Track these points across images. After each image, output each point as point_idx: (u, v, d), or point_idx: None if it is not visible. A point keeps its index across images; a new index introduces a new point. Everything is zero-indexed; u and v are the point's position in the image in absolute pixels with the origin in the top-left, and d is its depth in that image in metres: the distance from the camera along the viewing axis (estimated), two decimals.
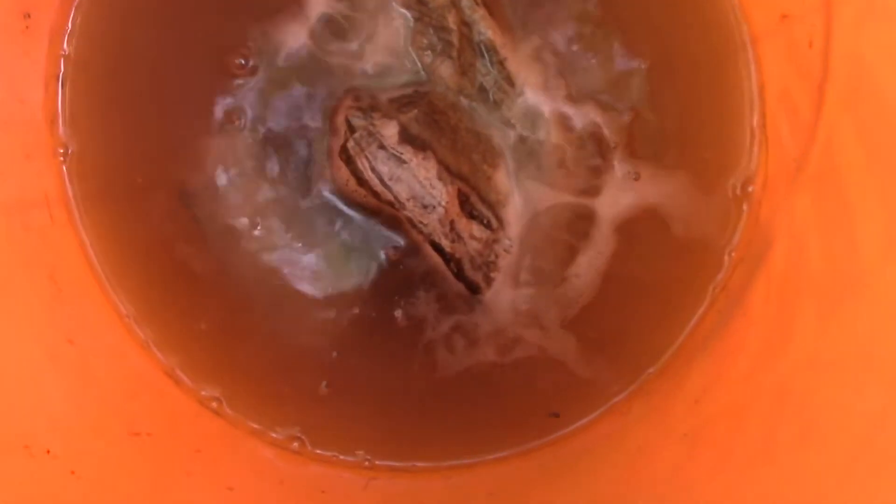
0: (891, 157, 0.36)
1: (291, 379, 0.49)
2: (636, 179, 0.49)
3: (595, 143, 0.49)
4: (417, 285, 0.49)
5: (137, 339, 0.49)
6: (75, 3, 0.49)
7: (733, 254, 0.49)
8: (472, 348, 0.49)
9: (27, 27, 0.46)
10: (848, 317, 0.37)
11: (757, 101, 0.48)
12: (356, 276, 0.49)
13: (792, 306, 0.42)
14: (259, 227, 0.49)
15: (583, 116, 0.49)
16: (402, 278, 0.49)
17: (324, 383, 0.49)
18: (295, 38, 0.49)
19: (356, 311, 0.49)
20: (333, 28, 0.48)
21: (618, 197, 0.49)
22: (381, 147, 0.46)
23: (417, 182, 0.46)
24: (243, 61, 0.49)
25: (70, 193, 0.49)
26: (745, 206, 0.48)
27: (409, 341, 0.49)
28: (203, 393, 0.49)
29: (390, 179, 0.46)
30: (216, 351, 0.49)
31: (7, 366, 0.41)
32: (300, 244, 0.49)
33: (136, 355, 0.49)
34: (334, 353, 0.49)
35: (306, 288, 0.49)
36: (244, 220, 0.49)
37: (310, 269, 0.49)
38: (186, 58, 0.49)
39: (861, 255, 0.38)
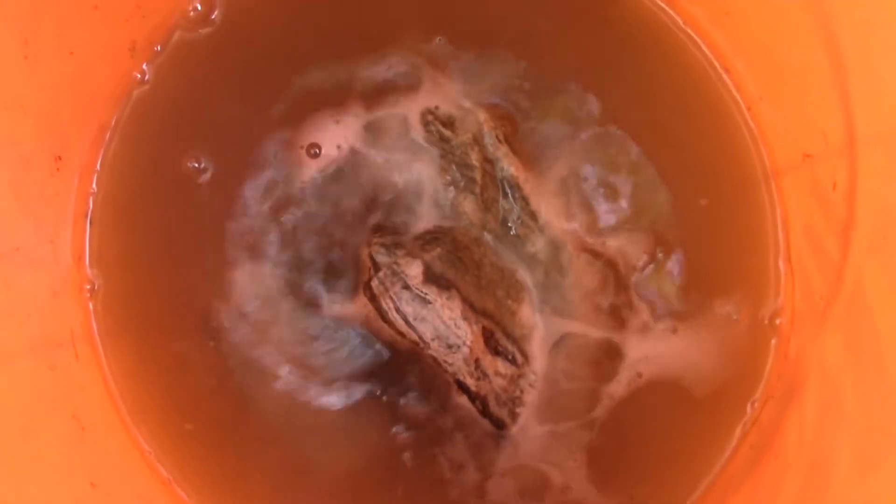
0: None
1: None
2: (660, 317, 0.48)
3: (618, 279, 0.48)
4: (443, 422, 0.48)
5: (160, 477, 0.49)
6: (105, 143, 0.49)
7: (762, 390, 0.47)
8: (496, 486, 0.48)
9: (58, 169, 0.47)
10: (888, 472, 0.36)
11: (782, 237, 0.48)
12: (381, 411, 0.48)
13: (828, 453, 0.40)
14: (283, 363, 0.48)
15: (607, 252, 0.49)
16: (427, 414, 0.48)
17: None
18: (322, 172, 0.49)
19: (380, 450, 0.48)
20: (360, 164, 0.49)
21: (644, 335, 0.48)
22: (406, 287, 0.46)
23: (442, 322, 0.46)
24: (269, 193, 0.49)
25: (95, 330, 0.49)
26: (773, 341, 0.47)
27: (432, 480, 0.48)
28: None
29: (415, 320, 0.46)
30: (238, 490, 0.49)
31: None
32: (325, 381, 0.48)
33: (159, 494, 0.48)
34: (360, 491, 0.48)
35: (331, 426, 0.49)
36: (268, 354, 0.49)
37: (333, 404, 0.49)
38: (218, 194, 0.50)
39: None
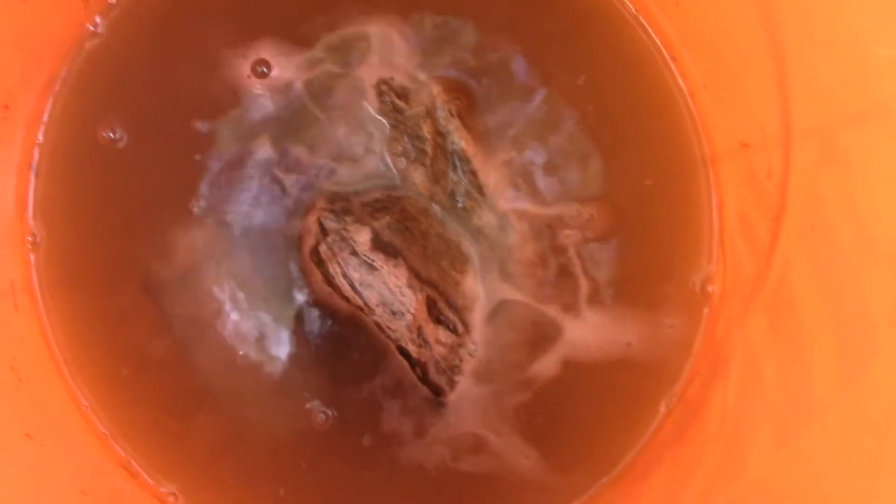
0: (844, 295, 0.38)
1: (249, 480, 0.49)
2: (599, 290, 0.50)
3: (560, 255, 0.50)
4: (382, 387, 0.49)
5: (96, 431, 0.49)
6: (54, 94, 0.49)
7: (690, 366, 0.49)
8: (431, 450, 0.49)
9: (4, 118, 0.46)
10: (802, 447, 0.38)
11: (716, 221, 0.50)
12: (321, 376, 0.49)
13: (748, 429, 0.42)
14: (224, 322, 0.49)
15: (549, 227, 0.50)
16: (367, 380, 0.49)
17: (281, 490, 0.48)
18: (273, 134, 0.49)
19: (318, 412, 0.48)
20: (311, 129, 0.49)
21: (580, 307, 0.50)
22: (354, 253, 0.46)
23: (388, 289, 0.46)
24: (221, 152, 0.49)
25: (35, 282, 0.49)
26: (702, 320, 0.49)
27: (370, 444, 0.49)
28: (161, 489, 0.49)
29: (361, 285, 0.46)
30: (175, 445, 0.49)
31: None
32: (265, 341, 0.49)
33: (95, 448, 0.48)
34: (294, 448, 0.49)
35: (269, 386, 0.49)
36: (209, 314, 0.49)
37: (273, 366, 0.49)
38: (159, 149, 0.49)
39: (815, 385, 0.39)
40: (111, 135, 0.49)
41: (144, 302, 0.49)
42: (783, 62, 0.41)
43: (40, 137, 0.49)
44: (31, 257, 0.49)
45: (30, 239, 0.49)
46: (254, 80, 0.49)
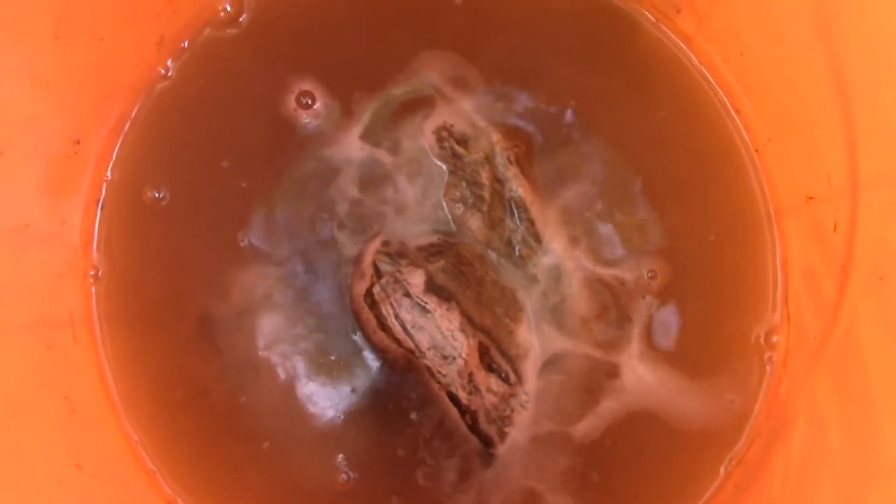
0: None
1: None
2: (655, 346, 0.49)
3: (617, 309, 0.49)
4: (431, 435, 0.48)
5: (144, 467, 0.49)
6: (124, 133, 0.51)
7: (751, 426, 0.48)
8: (479, 501, 0.48)
9: (76, 153, 0.48)
10: None
11: (780, 277, 0.49)
12: (371, 419, 0.49)
13: (811, 491, 0.41)
14: (278, 364, 0.49)
15: (607, 279, 0.50)
16: (416, 425, 0.48)
17: None
18: (332, 179, 0.50)
19: (367, 456, 0.48)
20: (369, 173, 0.50)
21: (638, 363, 0.49)
22: (407, 295, 0.46)
23: (440, 333, 0.46)
24: (280, 197, 0.50)
25: (95, 315, 0.50)
26: (765, 380, 0.48)
27: (419, 491, 0.48)
28: None
29: (413, 327, 0.46)
30: (222, 485, 0.49)
31: (11, 485, 0.41)
32: (318, 382, 0.49)
33: (142, 484, 0.48)
34: (343, 495, 0.48)
35: (319, 427, 0.49)
36: (263, 355, 0.49)
37: (324, 407, 0.49)
38: (226, 193, 0.50)
39: (883, 445, 0.37)
40: (175, 174, 0.50)
41: (199, 341, 0.49)
42: (850, 109, 0.40)
43: (108, 174, 0.50)
44: (93, 290, 0.50)
45: (92, 273, 0.50)
46: (312, 120, 0.50)
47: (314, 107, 0.50)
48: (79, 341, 0.49)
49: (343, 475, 0.48)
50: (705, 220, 0.50)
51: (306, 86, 0.50)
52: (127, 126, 0.51)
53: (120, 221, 0.50)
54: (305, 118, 0.50)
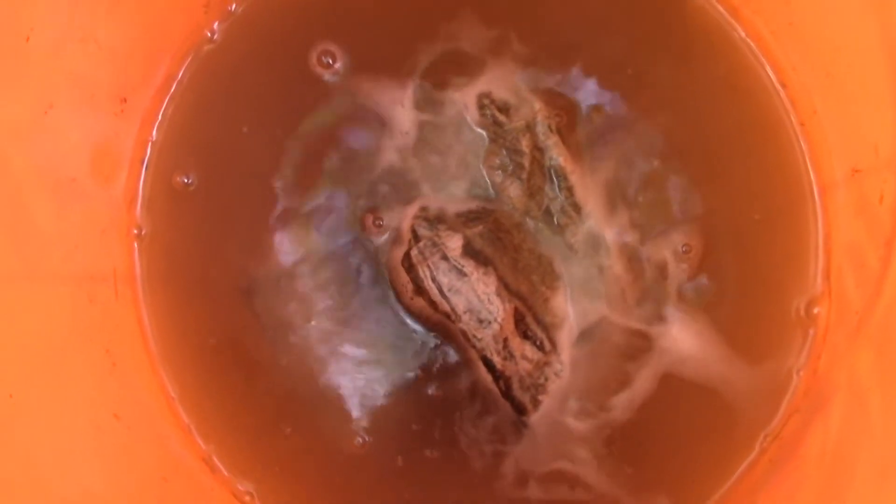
0: None
1: (327, 480, 0.49)
2: (694, 318, 0.49)
3: (657, 278, 0.49)
4: (465, 400, 0.49)
5: (181, 422, 0.50)
6: (170, 94, 0.52)
7: (788, 402, 0.48)
8: (513, 473, 0.48)
9: (122, 111, 0.49)
10: None
11: (822, 252, 0.49)
12: (405, 383, 0.49)
13: (848, 465, 0.41)
14: (315, 327, 0.50)
15: (646, 250, 0.50)
16: (450, 391, 0.49)
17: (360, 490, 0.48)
18: (372, 147, 0.51)
19: (400, 418, 0.49)
20: (410, 141, 0.50)
21: (676, 334, 0.49)
22: (444, 258, 0.47)
23: (476, 296, 0.47)
24: (326, 164, 0.51)
25: (137, 272, 0.51)
26: (803, 355, 0.48)
27: (450, 455, 0.49)
28: (238, 486, 0.49)
29: (449, 291, 0.47)
30: (257, 444, 0.50)
31: (52, 431, 0.42)
32: (353, 347, 0.50)
33: (178, 439, 0.50)
34: (374, 459, 0.49)
35: (353, 392, 0.50)
36: (301, 318, 0.50)
37: (359, 372, 0.50)
38: (268, 157, 0.51)
39: None
40: (219, 138, 0.51)
41: (238, 303, 0.50)
42: None
43: (154, 135, 0.51)
44: (136, 248, 0.51)
45: (135, 231, 0.51)
46: (354, 86, 0.51)
47: (355, 74, 0.51)
48: (120, 297, 0.50)
49: (363, 438, 0.49)
50: (748, 193, 0.50)
51: (345, 51, 0.51)
52: (173, 87, 0.52)
53: (164, 182, 0.51)
54: (346, 83, 0.51)
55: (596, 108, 0.50)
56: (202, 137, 0.51)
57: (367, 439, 0.49)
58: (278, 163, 0.51)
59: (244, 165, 0.51)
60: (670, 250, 0.50)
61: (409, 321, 0.49)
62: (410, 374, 0.49)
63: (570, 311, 0.49)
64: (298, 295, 0.50)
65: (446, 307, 0.47)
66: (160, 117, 0.52)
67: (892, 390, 0.41)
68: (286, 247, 0.51)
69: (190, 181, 0.51)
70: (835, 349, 0.46)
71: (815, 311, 0.49)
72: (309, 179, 0.51)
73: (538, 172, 0.49)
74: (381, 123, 0.50)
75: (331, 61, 0.51)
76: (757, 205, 0.50)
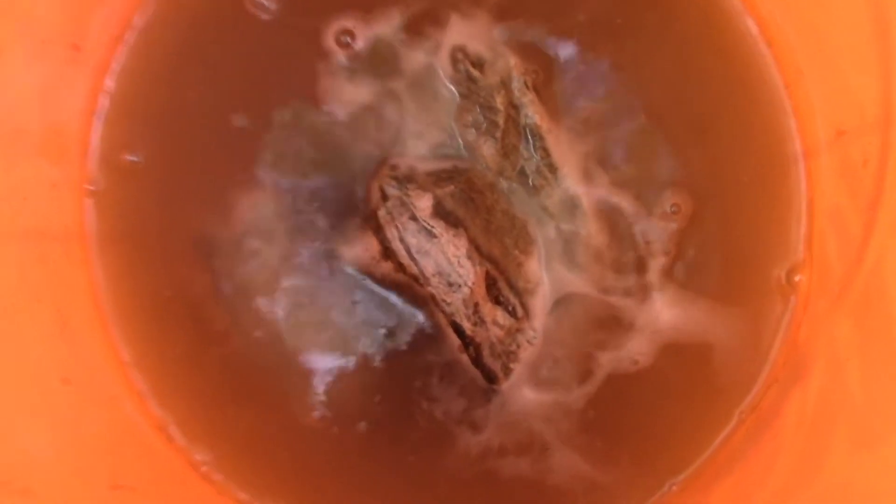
0: None
1: (287, 452, 0.48)
2: (673, 286, 0.49)
3: (633, 244, 0.49)
4: (433, 368, 0.48)
5: (134, 388, 0.49)
6: (125, 43, 0.50)
7: (767, 373, 0.48)
8: (482, 444, 0.48)
9: (74, 59, 0.48)
10: (885, 451, 0.36)
11: (805, 218, 0.49)
12: (369, 350, 0.48)
13: (826, 434, 0.41)
14: (276, 291, 0.49)
15: (623, 214, 0.49)
16: (417, 359, 0.48)
17: (319, 476, 0.48)
18: (339, 101, 0.50)
19: (364, 387, 0.48)
20: (377, 97, 0.49)
21: (654, 302, 0.49)
22: (413, 218, 0.46)
23: (445, 258, 0.46)
24: (286, 116, 0.49)
25: (90, 230, 0.50)
26: (782, 326, 0.48)
27: (415, 426, 0.48)
28: (195, 456, 0.49)
29: (418, 252, 0.46)
30: (214, 413, 0.49)
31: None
32: (315, 312, 0.49)
33: (131, 405, 0.49)
34: (336, 429, 0.48)
35: (314, 360, 0.49)
36: (261, 280, 0.49)
37: (321, 340, 0.49)
38: (227, 109, 0.50)
39: None
40: (177, 89, 0.50)
41: (196, 266, 0.49)
42: (888, 38, 0.40)
43: (109, 83, 0.50)
44: (88, 205, 0.49)
45: (88, 187, 0.50)
46: (334, 47, 0.50)
47: (322, 20, 0.50)
48: (72, 256, 0.49)
49: (324, 410, 0.48)
50: (731, 155, 0.50)
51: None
52: (128, 35, 0.50)
53: (118, 135, 0.50)
54: (330, 49, 0.50)
55: (575, 64, 0.50)
56: (159, 90, 0.50)
57: (327, 412, 0.48)
58: (241, 120, 0.50)
59: (204, 119, 0.50)
60: (651, 212, 0.49)
61: (374, 287, 0.48)
62: (376, 342, 0.48)
63: (544, 276, 0.49)
64: (260, 257, 0.49)
65: (415, 270, 0.46)
66: (115, 66, 0.50)
67: (871, 359, 0.41)
68: (247, 207, 0.49)
69: (146, 135, 0.50)
70: (815, 318, 0.46)
71: (797, 278, 0.49)
72: (275, 138, 0.50)
73: (513, 131, 0.49)
74: (346, 79, 0.49)
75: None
76: (741, 168, 0.50)
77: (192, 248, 0.49)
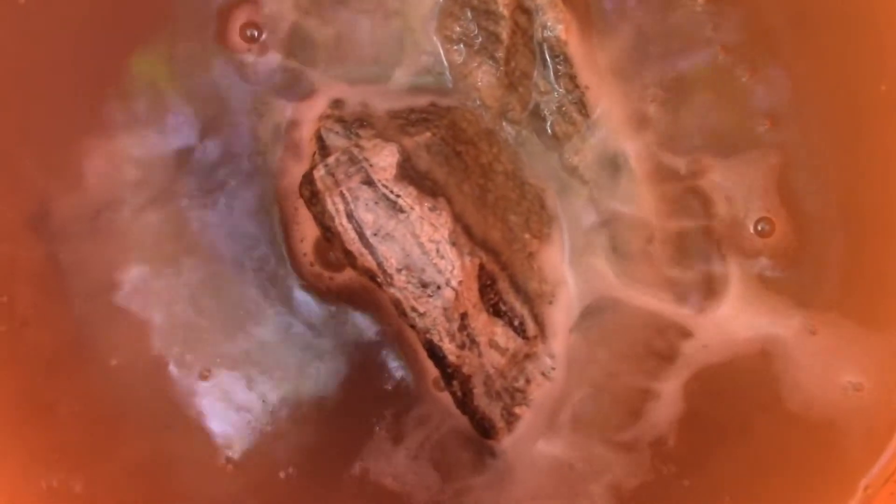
0: None
1: None
2: (761, 297, 0.41)
3: (706, 227, 0.42)
4: (395, 413, 0.41)
5: None
6: None
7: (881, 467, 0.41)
8: None
9: None
10: None
11: None
12: (298, 385, 0.42)
13: None
14: (150, 292, 0.43)
15: (690, 179, 0.42)
16: (371, 398, 0.41)
17: None
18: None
19: (289, 439, 0.41)
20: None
21: (727, 320, 0.42)
22: (368, 182, 0.39)
23: (417, 244, 0.39)
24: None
25: None
26: None
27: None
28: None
29: (375, 235, 0.38)
30: (43, 426, 0.43)
31: None
32: (208, 322, 0.42)
33: None
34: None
35: (214, 395, 0.42)
36: (123, 275, 0.43)
37: (226, 366, 0.42)
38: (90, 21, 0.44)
39: None
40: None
41: (31, 246, 0.43)
42: None
43: None
44: None
45: None
46: None
47: None
48: None
49: (230, 464, 0.42)
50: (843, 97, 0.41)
51: None
52: None
53: None
54: None
55: None
56: None
57: (238, 463, 0.42)
58: (107, 29, 0.43)
59: (49, 41, 0.43)
60: (739, 190, 0.42)
61: (305, 285, 0.42)
62: (309, 370, 0.42)
63: (567, 273, 0.42)
64: (127, 241, 0.43)
65: (370, 261, 0.39)
66: None
67: None
68: (112, 164, 0.43)
69: None
70: None
71: None
72: (157, 56, 0.43)
73: (523, 49, 0.41)
74: None
75: None
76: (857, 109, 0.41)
77: (24, 224, 0.43)
